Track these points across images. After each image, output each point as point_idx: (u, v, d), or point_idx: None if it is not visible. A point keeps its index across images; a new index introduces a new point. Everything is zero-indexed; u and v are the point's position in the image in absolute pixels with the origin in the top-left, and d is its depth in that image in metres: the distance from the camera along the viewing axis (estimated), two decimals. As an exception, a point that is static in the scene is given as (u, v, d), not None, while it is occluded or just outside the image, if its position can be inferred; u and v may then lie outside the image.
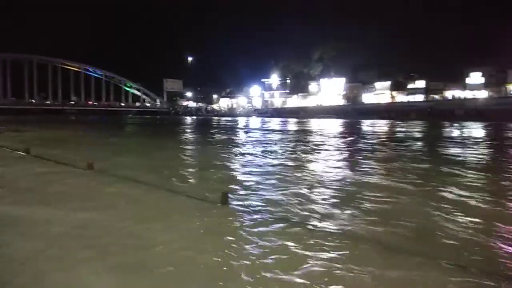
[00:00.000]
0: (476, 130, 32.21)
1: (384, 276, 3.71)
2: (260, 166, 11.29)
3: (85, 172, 8.64)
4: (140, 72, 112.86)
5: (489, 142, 21.52)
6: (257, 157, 13.51)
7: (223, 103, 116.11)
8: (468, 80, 68.24)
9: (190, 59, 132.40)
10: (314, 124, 44.64)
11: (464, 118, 50.28)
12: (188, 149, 17.26)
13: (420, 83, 74.73)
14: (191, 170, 10.80)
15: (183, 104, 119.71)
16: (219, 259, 4.03)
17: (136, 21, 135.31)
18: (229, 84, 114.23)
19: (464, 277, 3.78)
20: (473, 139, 22.89)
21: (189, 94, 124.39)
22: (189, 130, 35.96)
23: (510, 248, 4.73)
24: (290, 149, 16.72)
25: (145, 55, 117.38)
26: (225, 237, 4.68)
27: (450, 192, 7.59)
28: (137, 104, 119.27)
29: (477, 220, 5.88)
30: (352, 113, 68.89)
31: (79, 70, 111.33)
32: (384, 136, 26.19)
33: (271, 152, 15.10)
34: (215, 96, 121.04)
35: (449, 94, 70.92)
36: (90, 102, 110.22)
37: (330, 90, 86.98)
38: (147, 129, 40.91)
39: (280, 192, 7.52)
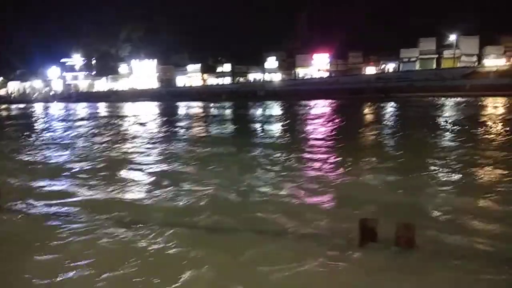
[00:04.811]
0: (273, 108, 36.89)
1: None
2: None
3: None
4: None
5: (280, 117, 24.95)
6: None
7: (12, 87, 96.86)
8: (266, 64, 77.05)
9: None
10: (127, 108, 42.31)
11: (265, 98, 56.73)
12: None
13: (227, 67, 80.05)
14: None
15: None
16: None
17: None
18: (18, 65, 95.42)
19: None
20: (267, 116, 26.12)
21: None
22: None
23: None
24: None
25: None
26: None
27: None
28: None
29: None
30: (167, 96, 68.35)
31: None
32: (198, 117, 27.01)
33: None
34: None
35: (251, 76, 78.58)
36: None
37: (142, 72, 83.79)
38: None
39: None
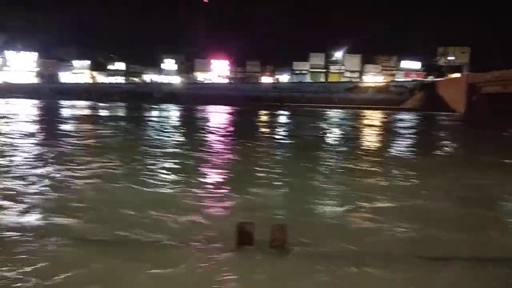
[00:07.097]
0: (169, 111, 35.79)
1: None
2: None
3: None
4: None
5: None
6: None
7: None
8: (163, 66, 74.81)
9: None
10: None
11: (162, 100, 54.69)
12: None
13: (120, 65, 75.55)
14: None
15: None
16: None
17: None
18: None
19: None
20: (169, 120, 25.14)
21: None
22: None
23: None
24: None
25: None
26: None
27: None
28: None
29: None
30: (49, 92, 61.33)
31: None
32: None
33: None
34: None
35: (147, 77, 75.37)
36: None
37: (19, 65, 73.97)
38: None
39: None
